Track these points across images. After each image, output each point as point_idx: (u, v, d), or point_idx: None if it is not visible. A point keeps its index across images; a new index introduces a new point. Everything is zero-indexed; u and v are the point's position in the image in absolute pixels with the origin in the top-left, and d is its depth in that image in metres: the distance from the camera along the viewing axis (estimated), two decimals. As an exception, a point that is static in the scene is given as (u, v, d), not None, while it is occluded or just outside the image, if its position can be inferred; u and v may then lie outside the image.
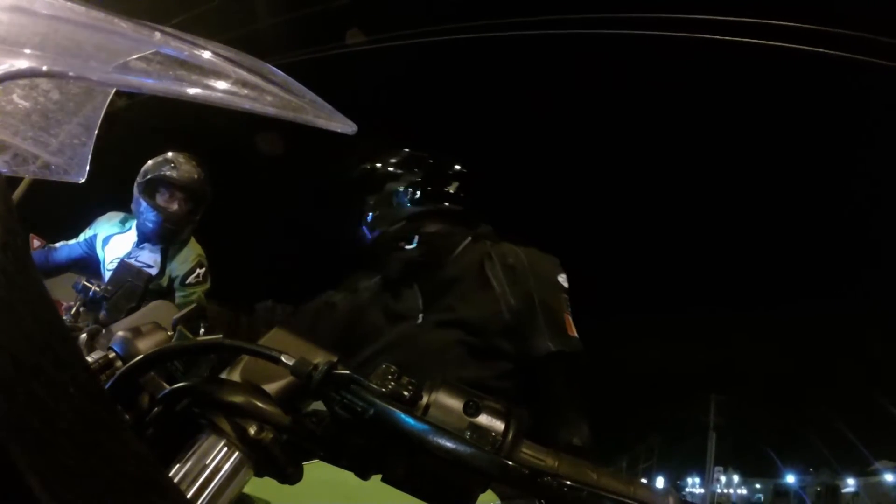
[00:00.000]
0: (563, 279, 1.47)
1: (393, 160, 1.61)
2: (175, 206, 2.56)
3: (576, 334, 1.41)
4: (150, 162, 2.61)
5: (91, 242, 2.77)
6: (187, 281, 2.63)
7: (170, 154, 2.63)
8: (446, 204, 1.58)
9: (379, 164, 1.61)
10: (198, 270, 2.66)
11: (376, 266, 1.61)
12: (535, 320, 1.38)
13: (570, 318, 1.42)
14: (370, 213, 1.58)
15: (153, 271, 2.56)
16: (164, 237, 2.59)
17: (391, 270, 1.54)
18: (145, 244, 2.62)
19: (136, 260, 2.58)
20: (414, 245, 1.52)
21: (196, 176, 2.61)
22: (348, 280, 1.64)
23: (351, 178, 1.64)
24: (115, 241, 2.70)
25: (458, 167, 1.64)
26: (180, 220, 2.59)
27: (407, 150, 1.64)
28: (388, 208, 1.56)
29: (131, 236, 2.66)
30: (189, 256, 2.67)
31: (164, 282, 2.62)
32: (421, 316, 1.45)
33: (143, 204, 2.54)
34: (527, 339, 1.37)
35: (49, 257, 2.75)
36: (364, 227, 1.59)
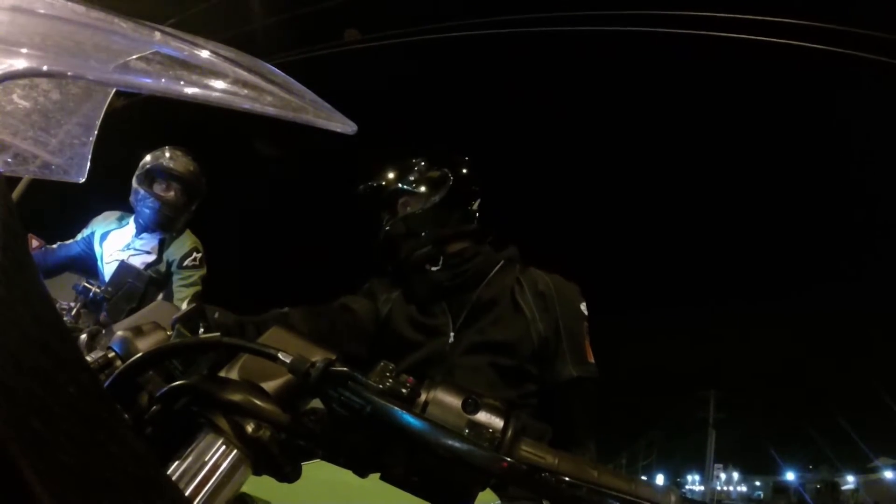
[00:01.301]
0: (584, 307, 1.53)
1: (407, 175, 1.57)
2: (172, 195, 2.70)
3: (593, 361, 1.48)
4: (148, 155, 2.73)
5: (89, 240, 2.83)
6: (184, 264, 2.73)
7: (167, 147, 2.76)
8: (470, 223, 1.59)
9: (389, 180, 1.58)
10: (195, 254, 2.77)
11: (393, 275, 1.60)
12: (560, 346, 1.45)
13: (590, 346, 1.50)
14: (389, 233, 1.56)
15: (151, 258, 2.70)
16: (161, 224, 2.71)
17: (418, 289, 1.54)
18: (143, 234, 2.74)
19: (134, 249, 2.71)
20: (440, 267, 1.52)
21: (192, 168, 2.75)
22: (365, 287, 1.62)
23: (359, 193, 1.61)
24: (113, 235, 2.78)
25: (477, 177, 1.62)
26: (176, 208, 2.71)
27: (422, 161, 1.60)
28: (416, 228, 1.54)
29: (130, 230, 2.77)
30: (185, 243, 2.78)
31: (163, 268, 2.72)
32: (452, 335, 1.47)
33: (142, 192, 2.66)
34: (552, 364, 1.44)
35: (47, 258, 2.81)
36: (384, 246, 1.58)
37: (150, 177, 2.70)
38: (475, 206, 1.60)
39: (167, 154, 2.73)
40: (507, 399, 1.36)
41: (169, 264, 2.73)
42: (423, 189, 1.55)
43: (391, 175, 1.59)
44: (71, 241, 2.84)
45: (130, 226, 2.77)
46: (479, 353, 1.43)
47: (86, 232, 2.84)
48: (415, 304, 1.53)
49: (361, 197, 1.62)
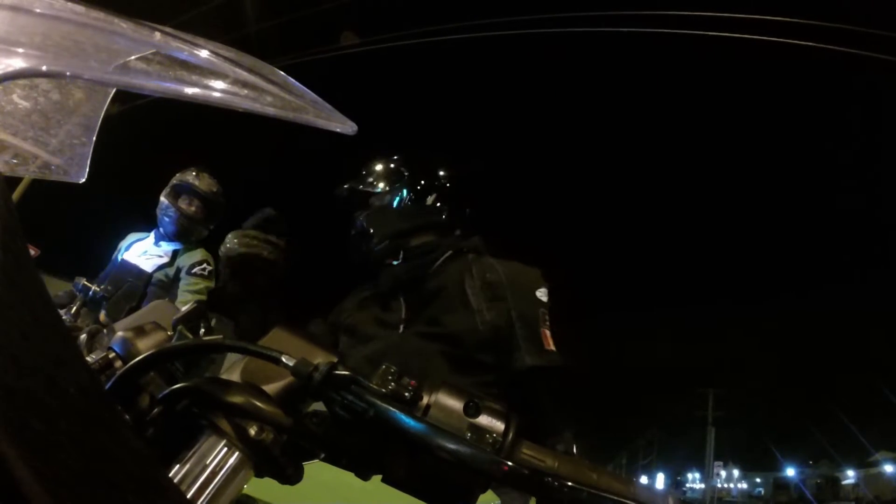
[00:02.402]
0: (541, 293, 1.49)
1: (374, 175, 1.64)
2: (192, 210, 2.96)
3: (553, 348, 1.43)
4: (178, 173, 3.03)
5: (116, 258, 3.01)
6: (193, 271, 2.89)
7: (195, 168, 3.06)
8: (430, 216, 1.60)
9: (361, 182, 1.64)
10: (205, 265, 2.93)
11: (365, 273, 1.64)
12: (513, 336, 1.42)
13: (549, 333, 1.45)
14: (358, 231, 1.61)
15: (163, 261, 2.89)
16: (178, 234, 2.94)
17: (382, 285, 1.57)
18: (161, 242, 2.95)
19: (149, 254, 2.91)
20: (399, 261, 1.56)
21: (215, 189, 3.04)
22: (354, 291, 1.68)
23: (338, 197, 1.66)
24: (135, 246, 3.00)
25: (435, 172, 1.64)
26: (195, 221, 2.96)
27: (388, 162, 1.66)
28: (374, 225, 1.59)
29: (150, 239, 3.00)
30: (198, 255, 2.96)
31: (172, 272, 2.88)
32: (402, 326, 1.48)
33: (166, 203, 2.94)
34: (507, 354, 1.41)
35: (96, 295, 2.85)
36: (353, 246, 1.62)
37: (176, 192, 2.97)
38: (433, 200, 1.61)
39: (194, 173, 3.02)
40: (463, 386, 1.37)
41: (178, 269, 2.89)
42: (382, 187, 1.61)
43: (361, 177, 1.65)
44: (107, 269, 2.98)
45: (151, 236, 3.00)
46: (428, 341, 1.43)
47: (116, 256, 3.02)
48: (378, 302, 1.57)
49: (337, 199, 1.67)
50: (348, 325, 1.57)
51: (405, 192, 1.59)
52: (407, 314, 1.50)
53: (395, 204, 1.59)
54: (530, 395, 1.41)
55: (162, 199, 2.96)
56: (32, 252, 2.95)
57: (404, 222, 1.58)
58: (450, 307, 1.47)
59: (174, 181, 3.00)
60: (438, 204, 1.62)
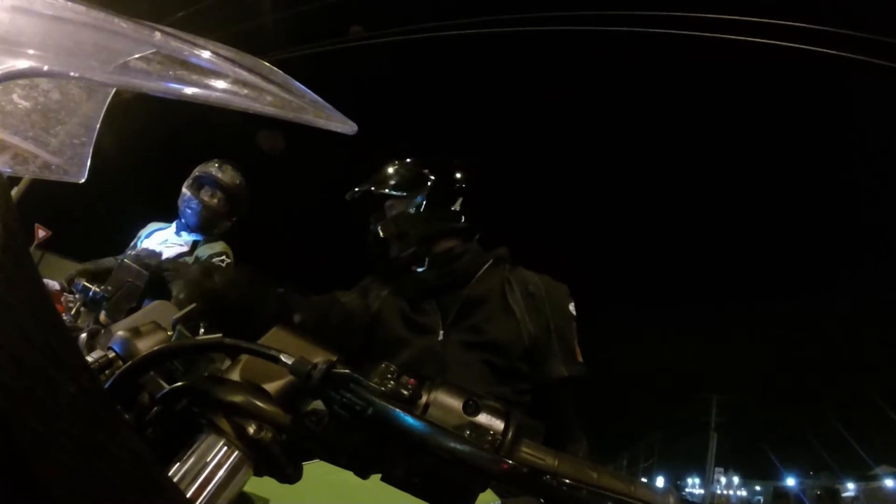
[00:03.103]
0: (573, 308, 1.55)
1: (393, 178, 1.60)
2: (215, 202, 2.90)
3: (582, 360, 1.51)
4: (201, 164, 2.96)
5: (135, 244, 2.98)
6: (212, 261, 2.82)
7: (218, 159, 2.99)
8: (453, 221, 1.59)
9: (376, 184, 1.61)
10: (224, 256, 2.88)
11: (385, 275, 1.63)
12: (550, 346, 1.48)
13: (578, 346, 1.52)
14: (377, 236, 1.59)
15: (183, 249, 2.85)
16: (201, 225, 2.89)
17: (407, 289, 1.56)
18: (182, 232, 2.91)
19: (170, 243, 2.87)
20: (426, 266, 1.56)
21: (238, 181, 2.97)
22: (358, 284, 1.65)
23: (350, 200, 1.64)
24: (155, 234, 2.96)
25: (459, 176, 1.63)
26: (217, 213, 2.91)
27: (408, 165, 1.63)
28: (400, 230, 1.56)
29: (171, 229, 2.95)
30: (218, 247, 2.92)
31: (191, 260, 2.81)
32: (442, 333, 1.48)
33: (188, 195, 2.88)
34: (543, 363, 1.47)
35: None
36: (373, 250, 1.61)
37: (199, 183, 2.91)
38: (458, 206, 1.60)
39: (217, 164, 2.96)
40: (502, 396, 1.39)
41: (197, 258, 2.84)
42: (404, 192, 1.58)
43: (376, 180, 1.62)
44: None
45: (173, 226, 2.95)
46: (470, 351, 1.45)
47: (135, 243, 2.98)
48: (406, 302, 1.55)
49: (351, 203, 1.64)
50: (376, 309, 1.56)
51: (428, 196, 1.57)
52: (444, 319, 1.50)
53: (418, 208, 1.56)
54: (557, 403, 1.48)
55: (184, 189, 2.91)
56: (44, 234, 2.91)
57: (430, 228, 1.56)
58: (493, 316, 1.49)
59: (197, 172, 2.93)
60: (461, 209, 1.61)
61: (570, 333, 1.51)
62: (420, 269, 1.56)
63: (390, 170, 1.63)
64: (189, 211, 2.87)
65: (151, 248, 2.84)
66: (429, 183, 1.58)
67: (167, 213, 3.01)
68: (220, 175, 2.92)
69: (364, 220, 1.65)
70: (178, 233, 2.91)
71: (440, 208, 1.58)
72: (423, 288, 1.54)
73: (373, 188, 1.61)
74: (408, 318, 1.52)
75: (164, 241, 2.89)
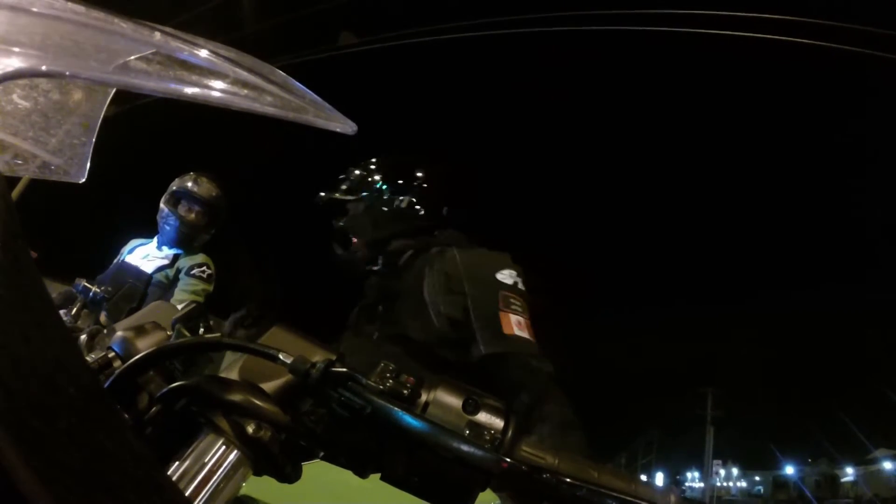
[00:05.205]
0: (504, 276, 1.39)
1: (347, 183, 1.62)
2: (193, 216, 2.92)
3: (517, 332, 1.32)
4: (177, 178, 2.98)
5: (118, 261, 3.00)
6: (192, 272, 2.88)
7: (194, 172, 3.01)
8: (406, 219, 1.58)
9: (336, 190, 1.63)
10: (205, 267, 2.93)
11: (348, 276, 1.65)
12: (470, 327, 1.36)
13: (515, 316, 1.34)
14: (337, 240, 1.61)
15: (164, 262, 2.88)
16: (180, 241, 2.92)
17: (368, 296, 1.57)
18: (163, 247, 2.94)
19: (151, 256, 2.90)
20: (380, 266, 1.56)
21: (214, 193, 2.98)
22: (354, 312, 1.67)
23: (317, 206, 1.65)
24: (138, 249, 2.99)
25: (415, 174, 1.62)
26: (196, 228, 2.93)
27: (360, 168, 1.64)
28: (351, 234, 1.58)
29: (153, 244, 2.98)
30: (199, 258, 2.96)
31: (172, 273, 2.87)
32: (377, 333, 1.48)
33: (166, 210, 2.90)
34: (468, 345, 1.36)
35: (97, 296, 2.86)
36: (335, 255, 1.63)
37: (176, 198, 2.92)
38: (407, 203, 1.59)
39: (193, 178, 2.97)
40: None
41: (178, 270, 2.88)
42: (355, 195, 1.60)
43: (332, 185, 1.64)
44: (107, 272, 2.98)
45: (154, 241, 2.98)
46: (396, 345, 1.41)
47: (118, 259, 3.01)
48: (364, 312, 1.56)
49: (319, 210, 1.66)
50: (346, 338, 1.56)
51: (379, 197, 1.58)
52: (381, 318, 1.50)
53: (370, 210, 1.57)
54: (502, 384, 1.32)
55: (162, 205, 2.93)
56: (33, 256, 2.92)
57: (380, 229, 1.57)
58: (411, 306, 1.45)
59: (173, 187, 2.96)
60: (415, 206, 1.59)
61: (493, 305, 1.34)
62: (375, 270, 1.57)
63: (346, 174, 1.65)
64: (168, 228, 2.90)
65: (134, 263, 2.88)
66: (376, 183, 1.59)
67: (150, 226, 3.05)
68: (196, 189, 2.94)
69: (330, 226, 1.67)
70: (159, 247, 2.95)
71: (390, 208, 1.57)
72: (376, 290, 1.54)
73: (333, 194, 1.62)
74: (360, 329, 1.53)
75: (145, 255, 2.93)
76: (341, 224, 1.59)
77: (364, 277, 1.59)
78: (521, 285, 1.41)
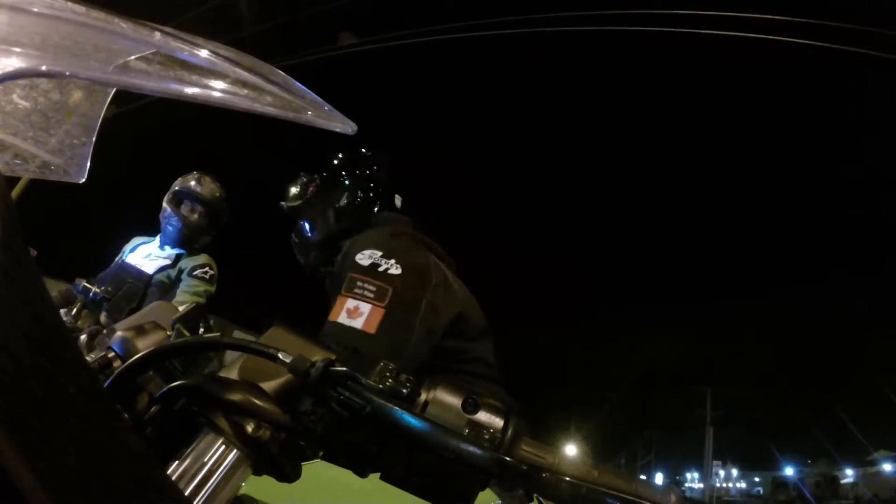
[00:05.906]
0: (363, 256, 1.24)
1: (293, 192, 1.67)
2: (195, 217, 2.94)
3: (340, 318, 1.16)
4: (179, 178, 3.01)
5: (119, 260, 2.99)
6: (194, 273, 2.88)
7: (197, 172, 3.03)
8: (347, 218, 1.58)
9: (286, 199, 1.68)
10: (207, 268, 2.93)
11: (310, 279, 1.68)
12: None
13: (351, 301, 1.18)
14: (295, 247, 1.65)
15: (166, 262, 2.89)
16: (182, 241, 2.93)
17: (328, 291, 1.56)
18: (165, 247, 2.95)
19: (153, 256, 2.91)
20: (332, 267, 1.53)
21: (217, 194, 3.02)
22: None
23: (283, 214, 1.69)
24: (140, 248, 3.00)
25: (352, 172, 1.63)
26: (198, 229, 2.96)
27: (302, 175, 1.67)
28: (306, 239, 1.62)
29: (155, 243, 2.98)
30: (201, 259, 2.97)
31: (174, 273, 2.88)
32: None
33: (169, 211, 2.93)
34: None
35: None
36: (298, 259, 1.66)
37: (178, 198, 2.95)
38: (347, 201, 1.60)
39: (196, 178, 2.99)
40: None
41: (180, 271, 2.89)
42: (299, 201, 1.65)
43: (285, 197, 1.70)
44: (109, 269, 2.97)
45: (156, 240, 2.98)
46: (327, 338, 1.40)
47: (120, 257, 3.01)
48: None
49: (285, 216, 1.70)
50: None
51: (320, 200, 1.61)
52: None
53: (312, 213, 1.61)
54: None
55: (164, 205, 2.95)
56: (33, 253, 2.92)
57: (323, 231, 1.59)
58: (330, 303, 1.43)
59: (176, 187, 2.97)
60: (354, 202, 1.59)
61: (340, 290, 1.21)
62: (328, 270, 1.57)
63: (294, 181, 1.69)
64: (170, 228, 2.91)
65: (136, 262, 2.88)
66: (312, 188, 1.63)
67: (150, 226, 3.06)
68: (199, 189, 2.96)
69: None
70: (161, 247, 2.96)
71: (331, 208, 1.59)
72: (330, 290, 1.53)
73: (287, 203, 1.68)
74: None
75: (147, 254, 2.94)
76: (294, 230, 1.64)
77: (322, 279, 1.59)
78: (383, 266, 1.23)
